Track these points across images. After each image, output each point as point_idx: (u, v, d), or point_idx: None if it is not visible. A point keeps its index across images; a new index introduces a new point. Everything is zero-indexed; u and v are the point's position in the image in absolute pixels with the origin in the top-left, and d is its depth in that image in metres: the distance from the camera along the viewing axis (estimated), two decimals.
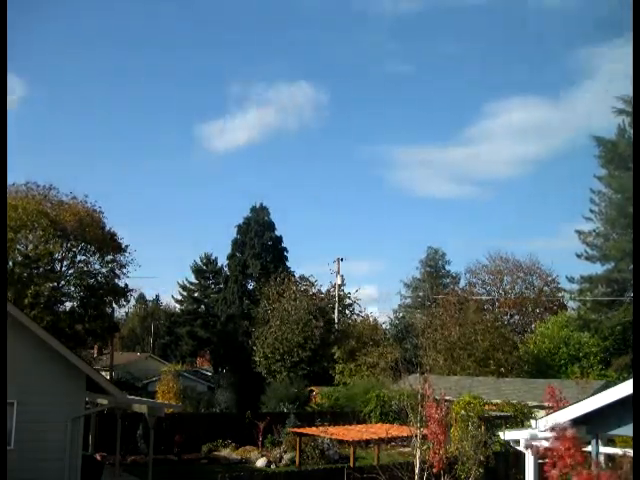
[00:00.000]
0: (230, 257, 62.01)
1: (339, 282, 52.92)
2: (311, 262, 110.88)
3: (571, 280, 43.37)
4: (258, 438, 28.89)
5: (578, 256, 42.07)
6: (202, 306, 70.45)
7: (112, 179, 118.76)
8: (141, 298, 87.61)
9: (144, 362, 58.67)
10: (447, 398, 19.76)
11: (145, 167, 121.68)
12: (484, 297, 55.82)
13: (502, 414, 26.78)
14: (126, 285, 43.92)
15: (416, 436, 15.17)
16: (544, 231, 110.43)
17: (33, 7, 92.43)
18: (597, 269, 41.96)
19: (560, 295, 55.05)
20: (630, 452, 11.15)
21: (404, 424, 19.76)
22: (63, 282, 41.65)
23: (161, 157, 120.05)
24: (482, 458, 16.33)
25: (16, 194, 39.56)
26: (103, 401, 20.10)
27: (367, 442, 23.44)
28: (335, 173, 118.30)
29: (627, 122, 40.03)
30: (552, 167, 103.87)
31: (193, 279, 72.11)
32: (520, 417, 26.19)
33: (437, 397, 15.39)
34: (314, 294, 50.80)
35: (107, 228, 42.86)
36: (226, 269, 64.54)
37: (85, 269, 42.28)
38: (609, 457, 12.62)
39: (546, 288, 57.30)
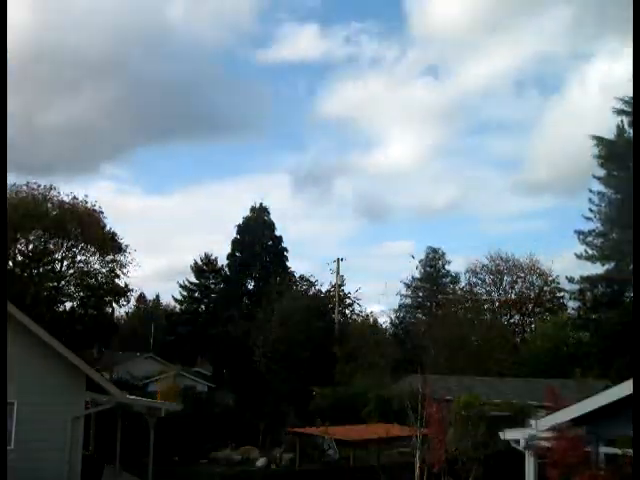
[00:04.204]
0: (230, 257, 61.98)
1: (339, 282, 52.92)
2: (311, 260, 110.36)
3: (571, 280, 43.36)
4: (258, 438, 28.87)
5: (578, 256, 42.06)
6: (202, 306, 70.41)
7: None
8: (141, 298, 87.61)
9: (144, 362, 58.58)
10: (447, 398, 19.79)
11: None
12: (484, 297, 55.85)
13: (502, 414, 26.76)
14: (126, 285, 44.08)
15: (416, 436, 15.18)
16: None
17: None
18: (597, 269, 41.99)
19: (560, 295, 55.04)
20: (630, 452, 11.15)
21: (404, 424, 19.78)
22: (63, 282, 41.74)
23: None
24: (482, 458, 16.35)
25: (17, 194, 39.64)
26: (103, 401, 20.08)
27: (367, 442, 23.44)
28: None
29: (626, 122, 40.04)
30: None
31: (193, 279, 72.10)
32: (520, 417, 26.17)
33: (437, 397, 15.40)
34: (314, 294, 50.82)
35: (107, 228, 42.99)
36: (226, 269, 64.53)
37: (85, 269, 42.40)
38: (609, 457, 12.62)
39: (546, 288, 57.30)
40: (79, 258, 42.34)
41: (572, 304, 48.89)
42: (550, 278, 57.10)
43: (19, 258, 39.18)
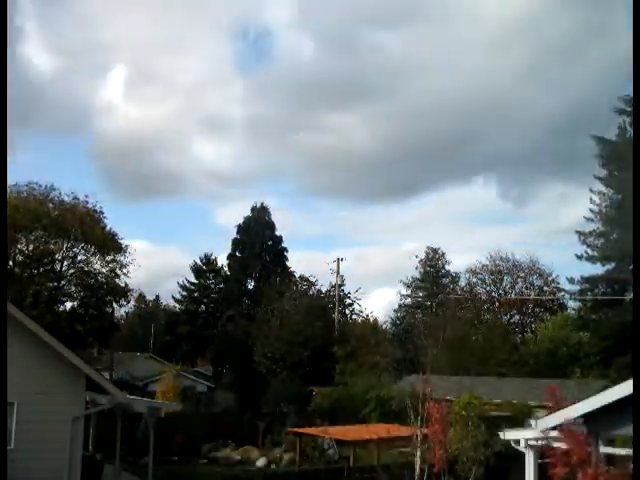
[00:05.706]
0: (230, 257, 61.94)
1: (339, 282, 52.90)
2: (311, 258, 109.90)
3: (571, 281, 43.38)
4: (258, 438, 28.87)
5: (578, 257, 42.06)
6: (202, 306, 70.36)
7: None
8: (141, 298, 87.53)
9: (144, 362, 58.60)
10: (447, 398, 19.79)
11: None
12: (484, 297, 55.80)
13: (502, 414, 26.75)
14: (126, 285, 44.07)
15: (416, 436, 15.17)
16: None
17: None
18: (597, 269, 42.00)
19: (560, 295, 55.06)
20: (630, 452, 11.15)
21: (404, 424, 19.78)
22: (64, 282, 41.75)
23: None
24: (482, 458, 16.33)
25: (18, 194, 39.66)
26: (103, 401, 20.07)
27: (367, 442, 23.41)
28: None
29: (627, 122, 40.04)
30: None
31: (193, 279, 72.04)
32: (520, 417, 26.16)
33: (437, 397, 15.39)
34: (314, 294, 50.81)
35: (107, 228, 42.97)
36: (226, 269, 64.51)
37: (85, 269, 42.39)
38: (609, 457, 12.62)
39: (546, 288, 57.27)
40: (79, 258, 42.38)
41: (572, 304, 48.99)
42: (550, 278, 57.13)
43: (19, 258, 39.16)
